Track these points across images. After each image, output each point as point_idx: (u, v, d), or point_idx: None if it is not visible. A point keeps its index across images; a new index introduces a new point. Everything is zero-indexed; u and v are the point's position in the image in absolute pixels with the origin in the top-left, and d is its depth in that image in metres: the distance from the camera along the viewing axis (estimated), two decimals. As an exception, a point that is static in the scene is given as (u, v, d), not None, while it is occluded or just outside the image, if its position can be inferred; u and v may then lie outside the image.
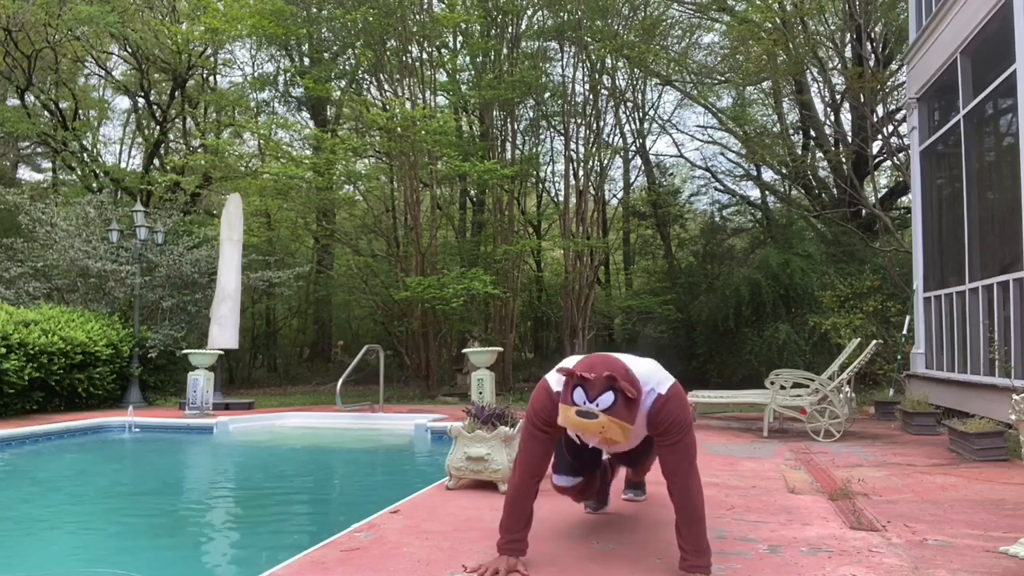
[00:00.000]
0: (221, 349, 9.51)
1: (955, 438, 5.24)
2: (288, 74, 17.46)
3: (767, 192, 16.62)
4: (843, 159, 13.01)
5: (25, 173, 22.71)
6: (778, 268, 12.10)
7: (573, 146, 13.78)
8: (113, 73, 18.58)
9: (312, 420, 8.56)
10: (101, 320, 10.46)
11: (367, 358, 9.54)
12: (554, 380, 2.57)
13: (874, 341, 6.91)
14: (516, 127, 14.47)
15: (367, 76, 15.16)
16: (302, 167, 12.63)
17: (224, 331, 9.64)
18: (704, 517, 2.45)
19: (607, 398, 2.21)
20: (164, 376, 11.80)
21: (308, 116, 18.79)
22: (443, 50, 14.92)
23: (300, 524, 4.00)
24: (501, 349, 9.87)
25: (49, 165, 21.47)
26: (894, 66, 13.61)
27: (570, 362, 2.57)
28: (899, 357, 8.43)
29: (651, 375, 2.51)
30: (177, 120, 18.79)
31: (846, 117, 14.82)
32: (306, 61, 17.39)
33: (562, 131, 14.27)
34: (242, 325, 10.61)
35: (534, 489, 2.62)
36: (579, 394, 2.24)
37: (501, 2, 13.35)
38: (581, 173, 13.86)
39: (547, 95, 14.39)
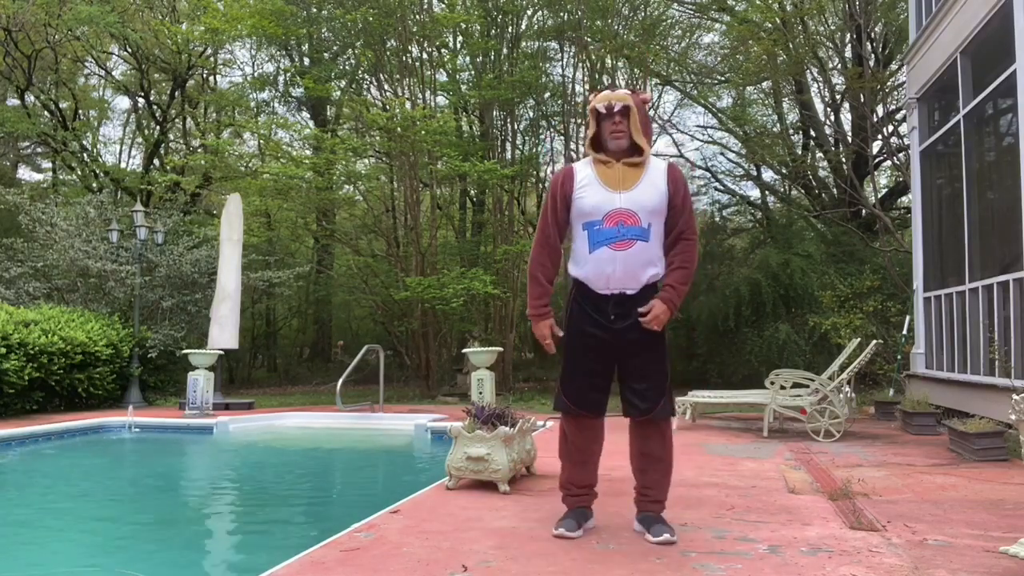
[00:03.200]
0: (221, 349, 9.51)
1: (955, 438, 5.24)
2: (288, 74, 17.46)
3: (767, 192, 16.60)
4: (843, 159, 13.00)
5: (25, 173, 22.72)
6: (778, 268, 12.09)
7: (573, 146, 13.77)
8: (113, 73, 18.59)
9: (312, 420, 8.56)
10: (101, 320, 10.46)
11: (367, 358, 9.53)
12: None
13: (874, 341, 6.90)
14: (516, 127, 14.46)
15: (367, 76, 15.16)
16: (302, 167, 12.63)
17: (224, 331, 9.64)
18: (695, 266, 3.05)
19: (625, 91, 3.02)
20: (164, 376, 11.79)
21: (308, 116, 18.79)
22: (443, 50, 14.92)
23: (300, 524, 4.00)
24: (501, 349, 9.87)
25: (49, 165, 21.47)
26: (894, 66, 13.60)
27: None
28: (899, 357, 8.43)
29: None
30: (177, 120, 18.80)
31: (846, 117, 14.81)
32: (306, 61, 17.39)
33: (562, 131, 14.25)
34: (242, 325, 10.61)
35: (547, 255, 3.04)
36: (605, 91, 3.00)
37: (501, 2, 13.35)
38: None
39: (547, 95, 14.38)
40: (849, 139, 13.52)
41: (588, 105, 3.10)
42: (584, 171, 3.02)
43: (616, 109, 2.95)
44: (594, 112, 3.02)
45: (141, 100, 18.26)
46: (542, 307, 3.07)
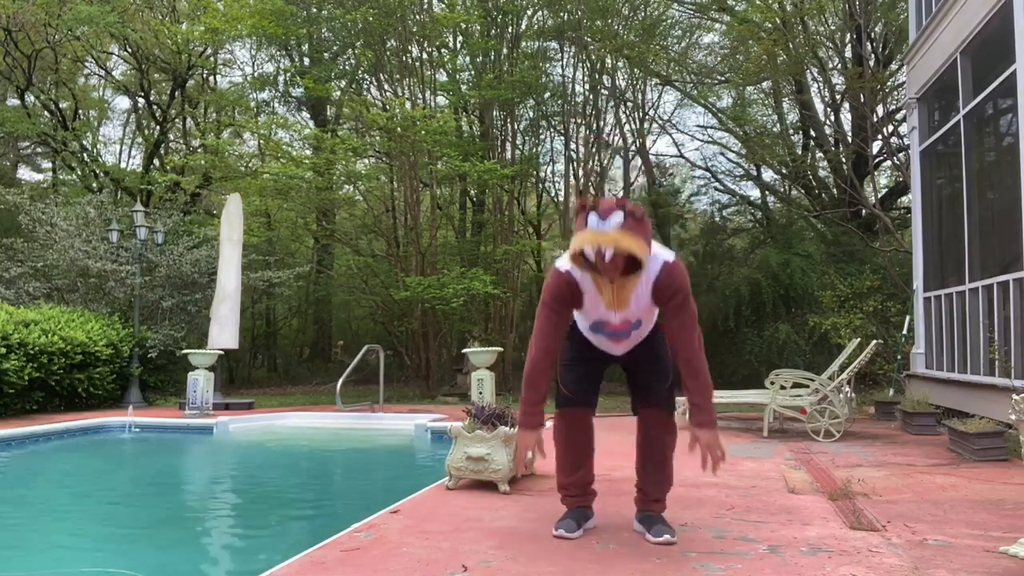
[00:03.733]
0: (221, 349, 9.51)
1: (955, 438, 5.24)
2: (288, 74, 17.46)
3: (767, 192, 16.61)
4: (843, 159, 13.00)
5: (25, 173, 22.70)
6: (778, 268, 12.09)
7: (573, 146, 13.78)
8: (113, 73, 18.57)
9: (312, 420, 8.56)
10: (101, 320, 10.46)
11: (367, 358, 9.53)
12: (562, 263, 2.81)
13: (874, 341, 6.90)
14: (516, 127, 14.47)
15: (367, 76, 15.16)
16: (302, 167, 12.63)
17: (224, 331, 9.64)
18: (707, 371, 2.77)
19: (617, 217, 2.51)
20: (164, 376, 11.79)
21: (308, 116, 18.78)
22: (443, 50, 14.92)
23: (300, 524, 4.00)
24: (501, 349, 9.87)
25: (49, 165, 21.46)
26: (894, 66, 13.60)
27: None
28: (899, 357, 8.43)
29: (658, 248, 2.80)
30: (177, 120, 18.78)
31: (846, 117, 14.81)
32: (306, 61, 17.39)
33: (562, 131, 14.26)
34: (242, 325, 10.61)
35: (549, 364, 2.84)
36: (593, 218, 2.54)
37: (501, 2, 13.35)
38: (581, 173, 13.86)
39: (547, 95, 14.39)
40: (849, 139, 13.52)
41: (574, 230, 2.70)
42: (587, 288, 2.79)
43: (608, 259, 2.54)
44: (579, 256, 2.63)
45: (141, 100, 18.25)
46: (537, 415, 2.86)
